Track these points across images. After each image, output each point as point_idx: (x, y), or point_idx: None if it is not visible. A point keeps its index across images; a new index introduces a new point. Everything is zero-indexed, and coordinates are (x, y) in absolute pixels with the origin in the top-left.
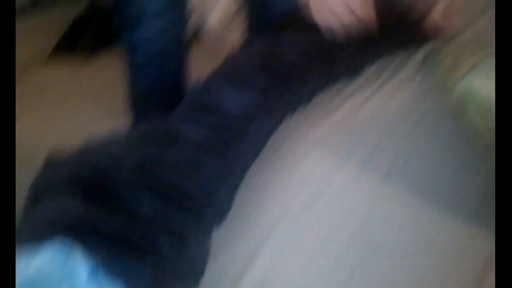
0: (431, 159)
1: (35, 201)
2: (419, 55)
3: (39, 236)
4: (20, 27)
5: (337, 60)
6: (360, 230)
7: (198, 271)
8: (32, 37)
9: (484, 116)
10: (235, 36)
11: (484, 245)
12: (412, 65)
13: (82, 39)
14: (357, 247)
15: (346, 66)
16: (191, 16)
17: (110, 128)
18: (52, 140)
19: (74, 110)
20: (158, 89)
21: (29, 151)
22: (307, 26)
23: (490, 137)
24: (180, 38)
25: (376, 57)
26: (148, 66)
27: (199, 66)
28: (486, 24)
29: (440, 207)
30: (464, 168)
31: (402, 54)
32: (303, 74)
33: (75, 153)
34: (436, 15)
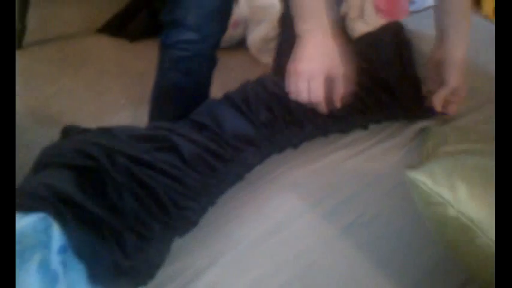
0: (392, 226)
1: (38, 169)
2: (416, 127)
3: (29, 204)
4: None
5: (334, 114)
6: (302, 273)
7: (150, 273)
8: (87, 7)
9: (421, 206)
10: (268, 59)
11: None
12: (406, 134)
13: (133, 23)
14: (294, 286)
15: (338, 123)
16: (238, 27)
17: (130, 115)
18: (77, 109)
19: (106, 87)
20: (181, 91)
21: (55, 113)
22: None
23: (430, 224)
24: (210, 50)
25: (371, 121)
26: (176, 67)
27: (239, 71)
28: (484, 117)
29: (385, 274)
30: (417, 243)
31: (401, 122)
32: (300, 121)
33: (83, 138)
34: (439, 97)
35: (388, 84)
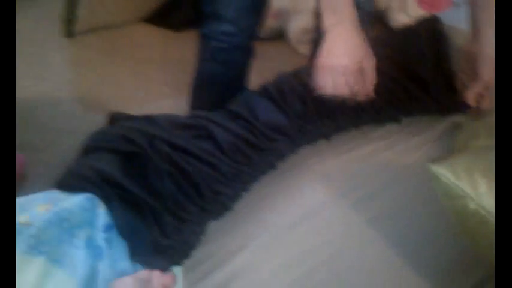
0: (416, 218)
1: (87, 152)
2: (448, 122)
3: (78, 184)
4: None
5: (366, 107)
6: (329, 261)
7: (185, 253)
8: None
9: (443, 200)
10: (308, 50)
11: None
12: (438, 129)
13: (177, 13)
14: (322, 275)
15: (370, 116)
16: (278, 17)
17: (173, 102)
18: (123, 96)
19: (151, 75)
20: (218, 81)
21: (102, 100)
22: None
23: (452, 217)
24: (247, 42)
25: (403, 114)
26: (214, 58)
27: (278, 62)
28: None
29: (409, 265)
30: (442, 237)
31: (433, 116)
32: (333, 113)
33: (127, 125)
34: (472, 91)
35: (422, 78)
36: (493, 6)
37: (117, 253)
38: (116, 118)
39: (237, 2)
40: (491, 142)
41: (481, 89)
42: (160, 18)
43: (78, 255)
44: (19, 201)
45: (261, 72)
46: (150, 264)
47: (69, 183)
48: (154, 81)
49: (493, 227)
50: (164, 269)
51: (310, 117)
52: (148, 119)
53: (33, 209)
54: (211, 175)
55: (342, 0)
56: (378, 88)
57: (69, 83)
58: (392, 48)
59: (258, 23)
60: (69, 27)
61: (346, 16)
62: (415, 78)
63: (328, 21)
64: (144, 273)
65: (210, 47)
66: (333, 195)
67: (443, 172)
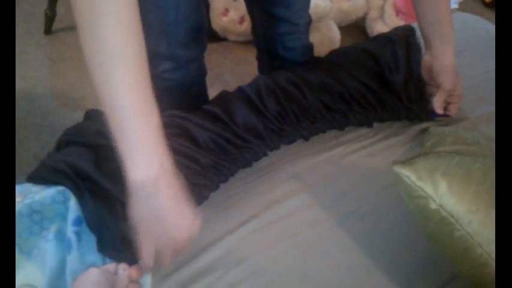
0: (387, 220)
1: (60, 147)
2: (419, 127)
3: (50, 178)
4: None
5: (348, 111)
6: (299, 260)
7: None
8: None
9: (406, 200)
10: None
11: None
12: (409, 133)
13: None
14: (292, 275)
15: (354, 118)
16: (243, 23)
17: None
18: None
19: None
20: (178, 105)
21: (78, 97)
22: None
23: (415, 217)
24: (195, 69)
25: (376, 120)
26: (168, 95)
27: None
28: (483, 119)
29: (377, 264)
30: (410, 237)
31: (404, 122)
32: (312, 115)
33: (101, 120)
34: (438, 100)
35: (395, 87)
36: (442, 20)
37: (86, 246)
38: (92, 115)
39: (170, 36)
40: (455, 147)
41: (445, 97)
42: None
43: (47, 248)
44: None
45: (239, 76)
46: (117, 258)
47: (41, 176)
48: None
49: (452, 227)
50: (131, 262)
51: (287, 119)
52: None
53: None
54: (188, 166)
55: (155, 138)
56: (350, 93)
57: (47, 80)
58: (367, 55)
59: (201, 49)
60: (48, 24)
61: (164, 159)
62: (388, 87)
63: (144, 171)
64: (110, 265)
65: (159, 87)
66: (302, 196)
67: (406, 173)
